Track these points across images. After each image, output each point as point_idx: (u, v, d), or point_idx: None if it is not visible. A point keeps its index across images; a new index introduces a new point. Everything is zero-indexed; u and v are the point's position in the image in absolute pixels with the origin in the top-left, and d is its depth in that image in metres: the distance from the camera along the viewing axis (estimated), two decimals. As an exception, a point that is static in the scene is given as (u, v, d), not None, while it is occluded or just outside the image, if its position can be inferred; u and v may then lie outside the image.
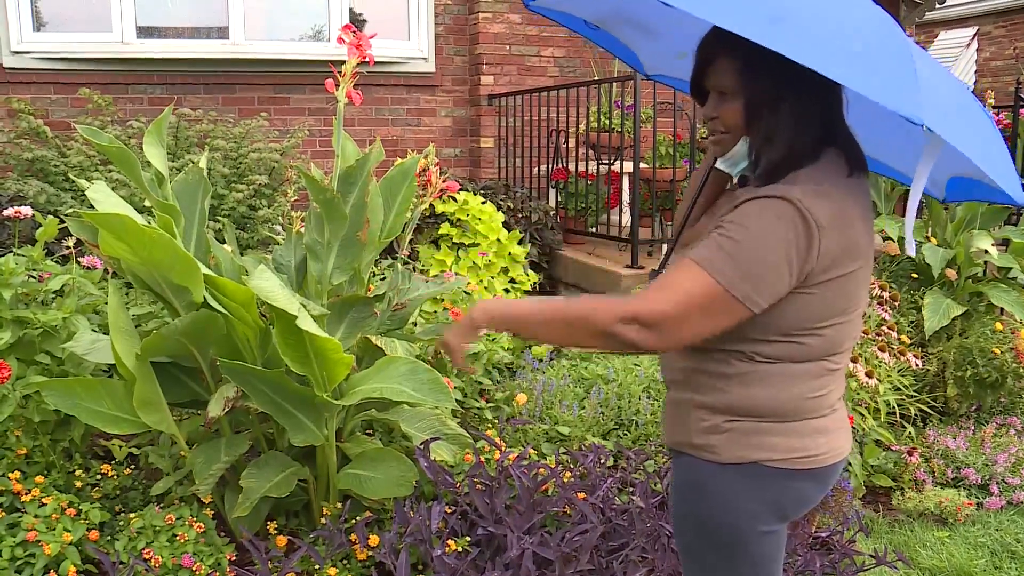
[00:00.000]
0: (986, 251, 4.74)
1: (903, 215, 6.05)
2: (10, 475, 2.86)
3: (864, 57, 1.40)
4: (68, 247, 3.37)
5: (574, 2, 2.09)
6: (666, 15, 1.81)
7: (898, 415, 4.22)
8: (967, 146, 1.43)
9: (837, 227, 1.56)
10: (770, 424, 1.67)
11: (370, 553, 2.79)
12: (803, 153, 1.63)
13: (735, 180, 1.82)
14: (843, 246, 1.58)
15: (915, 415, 4.41)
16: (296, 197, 4.82)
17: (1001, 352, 4.45)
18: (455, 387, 3.75)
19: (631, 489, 3.24)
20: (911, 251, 1.61)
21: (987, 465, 4.14)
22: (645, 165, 5.99)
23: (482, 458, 3.08)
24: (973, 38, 12.67)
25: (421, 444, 2.96)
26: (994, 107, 6.83)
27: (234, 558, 2.87)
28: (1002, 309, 4.81)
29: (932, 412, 4.59)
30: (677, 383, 1.79)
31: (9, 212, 3.52)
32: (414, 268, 5.32)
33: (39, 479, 2.88)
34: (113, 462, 3.24)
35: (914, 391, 4.43)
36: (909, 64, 1.40)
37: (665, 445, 1.92)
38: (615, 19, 2.12)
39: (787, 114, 1.63)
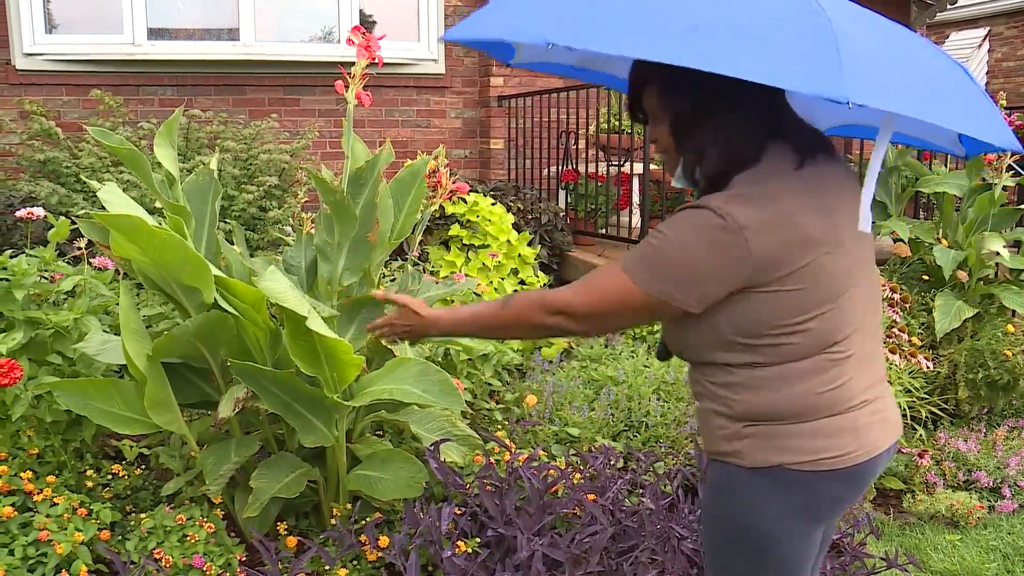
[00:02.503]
0: (998, 253, 4.71)
1: (914, 216, 6.04)
2: (22, 475, 2.87)
3: (778, 48, 1.39)
4: (80, 248, 3.38)
5: (552, 54, 2.08)
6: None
7: (909, 417, 4.21)
8: (935, 113, 1.43)
9: (771, 226, 1.56)
10: (790, 425, 1.66)
11: (380, 554, 2.79)
12: (743, 159, 1.64)
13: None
14: (784, 241, 1.57)
15: (926, 417, 4.39)
16: (306, 198, 4.84)
17: (1013, 354, 4.43)
18: (465, 388, 3.75)
19: (641, 491, 3.23)
20: (865, 226, 1.59)
21: (999, 468, 4.11)
22: (655, 167, 5.98)
23: (492, 459, 3.08)
24: (985, 39, 12.64)
25: (431, 445, 2.96)
26: (1006, 108, 6.80)
27: (244, 558, 2.88)
28: (1014, 311, 4.78)
29: (943, 415, 4.57)
30: (698, 395, 1.80)
31: (21, 213, 3.54)
32: (424, 269, 5.33)
33: (51, 479, 2.89)
34: (124, 462, 3.25)
35: (925, 393, 4.42)
36: (829, 45, 1.37)
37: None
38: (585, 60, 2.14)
39: (714, 127, 1.66)
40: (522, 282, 5.67)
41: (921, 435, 4.27)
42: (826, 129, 2.00)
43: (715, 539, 1.82)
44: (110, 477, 3.13)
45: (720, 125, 1.66)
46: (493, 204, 5.80)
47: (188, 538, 2.77)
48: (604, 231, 6.11)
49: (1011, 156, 4.79)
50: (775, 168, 1.63)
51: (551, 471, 3.04)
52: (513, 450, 3.18)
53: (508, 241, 5.65)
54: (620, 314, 1.68)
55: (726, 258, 1.56)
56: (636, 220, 6.07)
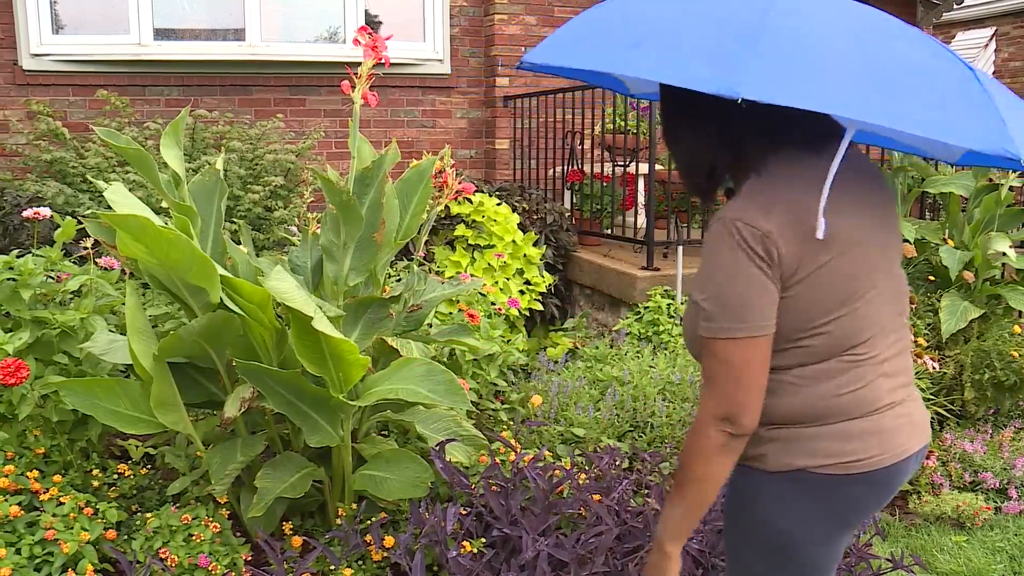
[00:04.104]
0: (1004, 253, 4.70)
1: (920, 216, 6.02)
2: (28, 474, 2.88)
3: (691, 49, 1.44)
4: (86, 248, 3.39)
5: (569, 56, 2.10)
6: None
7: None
8: (890, 115, 1.39)
9: (789, 227, 1.55)
10: (812, 428, 1.64)
11: (385, 554, 2.80)
12: (751, 163, 1.65)
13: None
14: (802, 241, 1.56)
15: (932, 418, 4.38)
16: (312, 198, 4.83)
17: (1020, 355, 4.42)
18: (470, 388, 3.76)
19: (646, 491, 3.23)
20: (819, 234, 1.55)
21: (1005, 469, 4.11)
22: (660, 167, 5.98)
23: (497, 459, 3.07)
24: (991, 39, 12.61)
25: (436, 445, 2.97)
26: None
27: (249, 558, 2.88)
28: (1020, 312, 4.77)
29: (949, 416, 4.56)
30: None
31: (28, 213, 3.55)
32: (430, 269, 5.33)
33: (57, 478, 2.90)
34: (130, 462, 3.26)
35: (931, 394, 4.41)
36: (743, 42, 1.40)
37: None
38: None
39: (692, 140, 1.74)
40: (527, 282, 5.67)
41: (927, 436, 4.25)
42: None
43: (736, 542, 1.80)
44: (116, 476, 3.14)
45: (702, 135, 1.71)
46: (499, 204, 5.80)
47: (193, 537, 2.77)
48: (610, 231, 6.11)
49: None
50: (786, 172, 1.62)
51: (556, 471, 3.04)
52: (518, 450, 3.18)
53: (513, 241, 5.65)
54: (748, 376, 1.58)
55: (760, 267, 1.55)
56: (642, 220, 6.07)
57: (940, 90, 1.48)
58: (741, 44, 1.40)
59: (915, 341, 4.27)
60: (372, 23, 6.87)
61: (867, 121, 1.39)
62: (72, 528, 2.71)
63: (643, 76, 1.47)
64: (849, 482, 1.65)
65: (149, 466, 3.33)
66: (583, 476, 3.17)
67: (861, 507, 1.70)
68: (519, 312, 5.38)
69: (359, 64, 2.96)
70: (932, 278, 5.06)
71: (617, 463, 3.29)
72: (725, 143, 1.68)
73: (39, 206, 3.81)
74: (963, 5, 10.02)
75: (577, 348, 5.09)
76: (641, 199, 6.32)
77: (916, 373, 4.16)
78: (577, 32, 1.65)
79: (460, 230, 5.62)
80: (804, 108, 1.35)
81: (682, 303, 5.10)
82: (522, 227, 5.85)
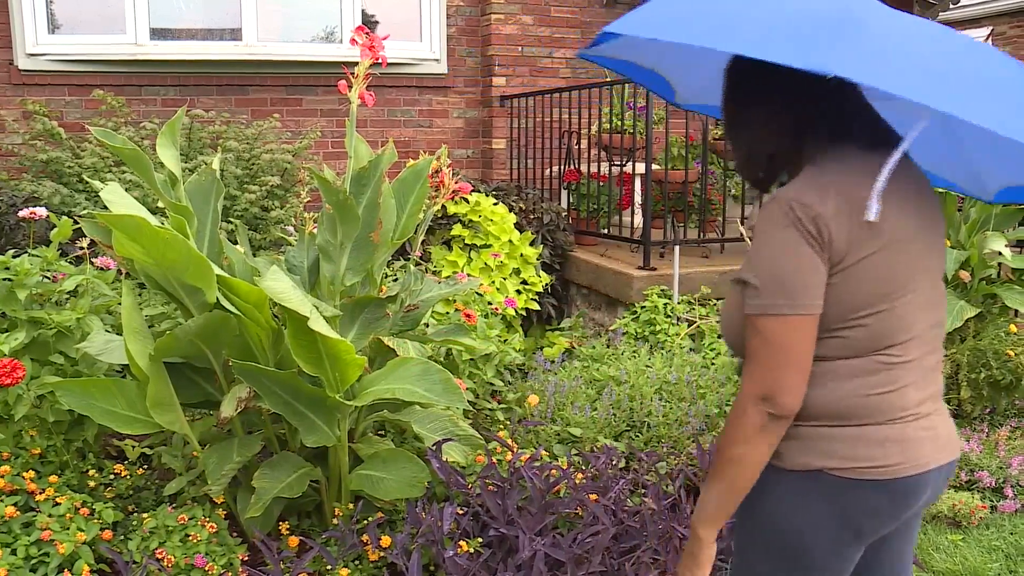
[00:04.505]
0: (1000, 252, 4.71)
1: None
2: (24, 474, 2.88)
3: (782, 30, 1.46)
4: (82, 248, 3.39)
5: (627, 52, 2.10)
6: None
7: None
8: (973, 112, 1.39)
9: (841, 211, 1.56)
10: (835, 428, 1.63)
11: (382, 554, 2.80)
12: (810, 155, 1.67)
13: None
14: (853, 226, 1.56)
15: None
16: (308, 198, 4.84)
17: (1016, 354, 4.42)
18: (467, 388, 3.76)
19: (643, 491, 3.23)
20: (872, 215, 1.55)
21: (1001, 468, 4.11)
22: (657, 167, 5.99)
23: (494, 459, 3.08)
24: (987, 38, 12.62)
25: (433, 445, 2.97)
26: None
27: (246, 558, 2.88)
28: (1016, 311, 4.77)
29: (946, 415, 4.56)
30: None
31: (24, 213, 3.55)
32: (426, 269, 5.33)
33: (53, 479, 2.90)
34: (126, 462, 3.25)
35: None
36: (830, 28, 1.43)
37: None
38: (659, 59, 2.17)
39: (759, 129, 1.75)
40: (524, 282, 5.67)
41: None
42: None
43: (743, 538, 1.79)
44: (112, 477, 3.13)
45: (753, 125, 1.75)
46: (495, 204, 5.80)
47: (190, 538, 2.77)
48: (606, 231, 6.11)
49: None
50: (842, 165, 1.64)
51: (553, 471, 3.04)
52: (515, 450, 3.18)
53: (510, 241, 5.65)
54: (789, 357, 1.57)
55: (812, 245, 1.56)
56: (638, 220, 6.07)
57: (1017, 97, 1.49)
58: (828, 29, 1.44)
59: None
60: (369, 23, 6.86)
61: (948, 112, 1.37)
62: (68, 529, 2.71)
63: (738, 51, 1.50)
64: (867, 488, 1.63)
65: (145, 466, 3.33)
66: (580, 476, 3.17)
67: (875, 516, 1.67)
68: (516, 312, 5.38)
69: (356, 64, 2.96)
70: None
71: (614, 463, 3.29)
72: (790, 133, 1.70)
73: (35, 206, 3.81)
74: (959, 5, 10.03)
75: (574, 348, 5.10)
76: (638, 199, 6.32)
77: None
78: (663, 10, 1.64)
79: (457, 230, 5.62)
80: (888, 90, 1.36)
81: (679, 302, 5.10)
82: (519, 227, 5.85)
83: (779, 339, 1.57)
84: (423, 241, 3.60)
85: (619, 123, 6.02)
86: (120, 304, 2.90)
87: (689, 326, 4.81)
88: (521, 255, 5.69)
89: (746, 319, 1.61)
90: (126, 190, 3.36)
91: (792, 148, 1.71)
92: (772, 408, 1.57)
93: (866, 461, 1.61)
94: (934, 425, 1.69)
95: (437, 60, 7.06)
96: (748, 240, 5.01)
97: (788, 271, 1.56)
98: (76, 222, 3.27)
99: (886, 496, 1.64)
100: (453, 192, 3.36)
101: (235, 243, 3.44)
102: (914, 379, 1.66)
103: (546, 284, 5.82)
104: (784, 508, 1.68)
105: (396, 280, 4.21)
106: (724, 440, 1.64)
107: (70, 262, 3.60)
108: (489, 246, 5.61)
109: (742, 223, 5.53)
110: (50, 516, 2.73)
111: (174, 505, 2.97)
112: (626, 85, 5.89)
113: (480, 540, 2.80)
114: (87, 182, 4.44)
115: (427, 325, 3.88)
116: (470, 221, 5.68)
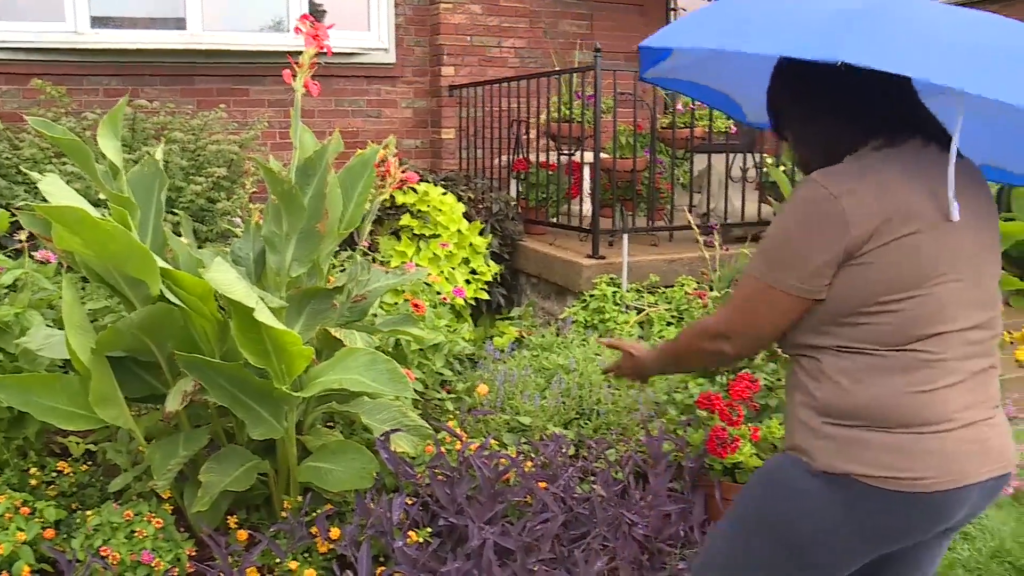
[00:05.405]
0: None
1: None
2: (-37, 473, 2.82)
3: (806, 28, 1.53)
4: (21, 241, 3.32)
5: (687, 72, 2.17)
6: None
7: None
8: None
9: (868, 193, 1.58)
10: (871, 432, 1.59)
11: (331, 546, 2.79)
12: (841, 147, 1.72)
13: None
14: (881, 208, 1.56)
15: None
16: (255, 189, 4.80)
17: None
18: (416, 378, 3.75)
19: (592, 478, 3.26)
20: (954, 215, 1.57)
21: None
22: (606, 155, 6.01)
23: (443, 449, 3.08)
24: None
25: (382, 436, 2.96)
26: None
27: (194, 553, 2.85)
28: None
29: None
30: (789, 388, 1.76)
31: (-40, 206, 3.47)
32: (374, 259, 5.30)
33: (-7, 477, 2.85)
34: (70, 459, 3.20)
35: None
36: (847, 19, 1.49)
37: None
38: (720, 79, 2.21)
39: (822, 125, 1.79)
40: (473, 271, 5.67)
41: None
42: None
43: (751, 510, 1.76)
44: (55, 474, 3.08)
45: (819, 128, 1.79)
46: (444, 194, 5.79)
47: (136, 534, 2.73)
48: (555, 220, 6.13)
49: None
50: (886, 157, 1.65)
51: (502, 460, 3.06)
52: (464, 439, 3.18)
53: (459, 231, 5.65)
54: (761, 318, 1.70)
55: (824, 227, 1.59)
56: (587, 208, 6.10)
57: None
58: (845, 20, 1.49)
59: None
60: (316, 12, 6.79)
61: (976, 93, 1.39)
62: (7, 529, 2.66)
63: (766, 52, 1.62)
64: (895, 500, 1.57)
65: (90, 463, 3.28)
66: (529, 464, 3.19)
67: (897, 530, 1.62)
68: (465, 301, 5.38)
69: (302, 53, 2.94)
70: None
71: (563, 451, 3.31)
72: (847, 130, 1.73)
73: (-28, 199, 3.72)
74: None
75: (523, 337, 5.11)
76: (587, 187, 6.35)
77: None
78: (702, 19, 1.75)
79: (405, 220, 5.60)
80: (905, 74, 1.43)
81: (628, 291, 5.14)
82: (468, 216, 5.85)
83: (757, 303, 1.70)
84: (371, 231, 3.59)
85: (568, 112, 6.03)
86: (61, 298, 2.85)
87: (638, 314, 4.85)
88: (470, 245, 5.69)
89: (744, 276, 1.73)
90: (67, 182, 3.29)
91: (848, 143, 1.71)
92: (723, 346, 1.76)
93: (897, 472, 1.56)
94: (984, 436, 1.62)
95: (385, 50, 7.01)
96: (696, 228, 5.06)
97: (792, 249, 1.64)
98: (14, 214, 3.20)
99: (916, 510, 1.59)
100: (400, 182, 3.34)
101: (180, 235, 3.39)
102: (956, 382, 1.60)
103: (495, 273, 5.83)
104: (804, 506, 1.65)
105: (344, 270, 4.18)
106: (683, 339, 1.89)
107: (9, 256, 3.53)
108: (438, 236, 5.60)
109: (690, 211, 5.58)
110: (-10, 515, 2.68)
111: (119, 502, 2.93)
112: (575, 74, 5.90)
113: (430, 530, 2.81)
114: (26, 174, 4.35)
115: (375, 315, 3.86)
116: (419, 211, 5.66)
